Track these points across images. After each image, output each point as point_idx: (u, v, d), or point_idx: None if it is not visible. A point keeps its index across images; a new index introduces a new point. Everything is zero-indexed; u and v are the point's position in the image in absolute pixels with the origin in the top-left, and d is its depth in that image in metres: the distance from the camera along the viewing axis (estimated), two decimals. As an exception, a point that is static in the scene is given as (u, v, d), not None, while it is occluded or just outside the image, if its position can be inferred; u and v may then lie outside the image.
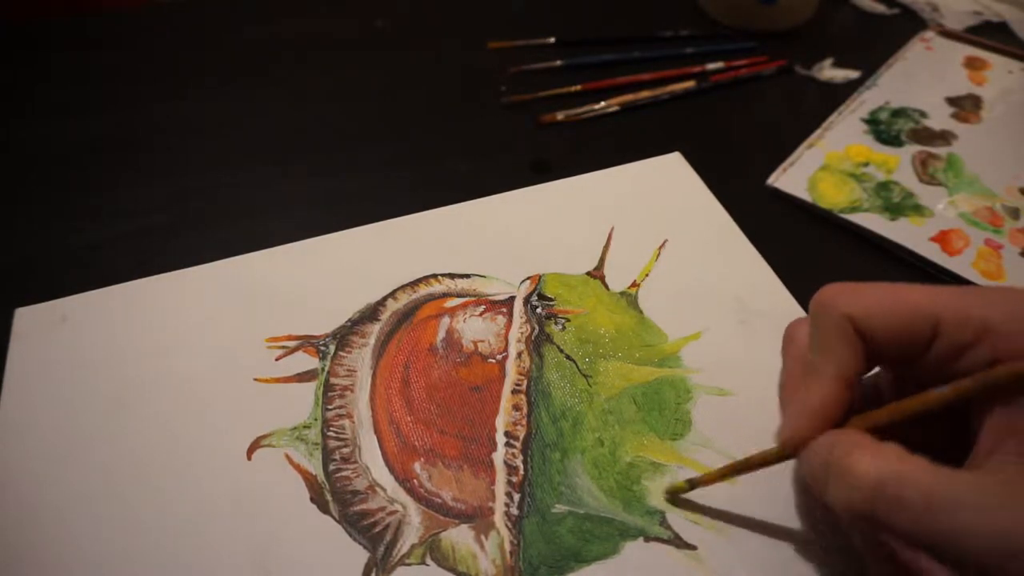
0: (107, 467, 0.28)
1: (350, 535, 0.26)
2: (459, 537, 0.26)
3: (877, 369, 0.24)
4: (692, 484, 0.26)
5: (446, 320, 0.33)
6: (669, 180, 0.40)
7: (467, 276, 0.35)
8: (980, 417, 0.20)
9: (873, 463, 0.19)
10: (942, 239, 0.43)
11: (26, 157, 0.50)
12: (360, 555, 0.26)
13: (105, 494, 0.27)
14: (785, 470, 0.28)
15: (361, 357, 0.32)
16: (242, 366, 0.31)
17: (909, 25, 0.62)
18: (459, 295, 0.34)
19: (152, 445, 0.29)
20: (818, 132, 0.51)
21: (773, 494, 0.27)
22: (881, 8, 0.63)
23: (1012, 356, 0.19)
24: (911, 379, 0.23)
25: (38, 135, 0.51)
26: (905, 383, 0.24)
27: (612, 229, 0.37)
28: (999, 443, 0.19)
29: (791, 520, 0.26)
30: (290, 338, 0.32)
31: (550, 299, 0.34)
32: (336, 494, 0.27)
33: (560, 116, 0.52)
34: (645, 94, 0.54)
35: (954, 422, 0.22)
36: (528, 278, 0.35)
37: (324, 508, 0.27)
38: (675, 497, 0.27)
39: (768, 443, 0.28)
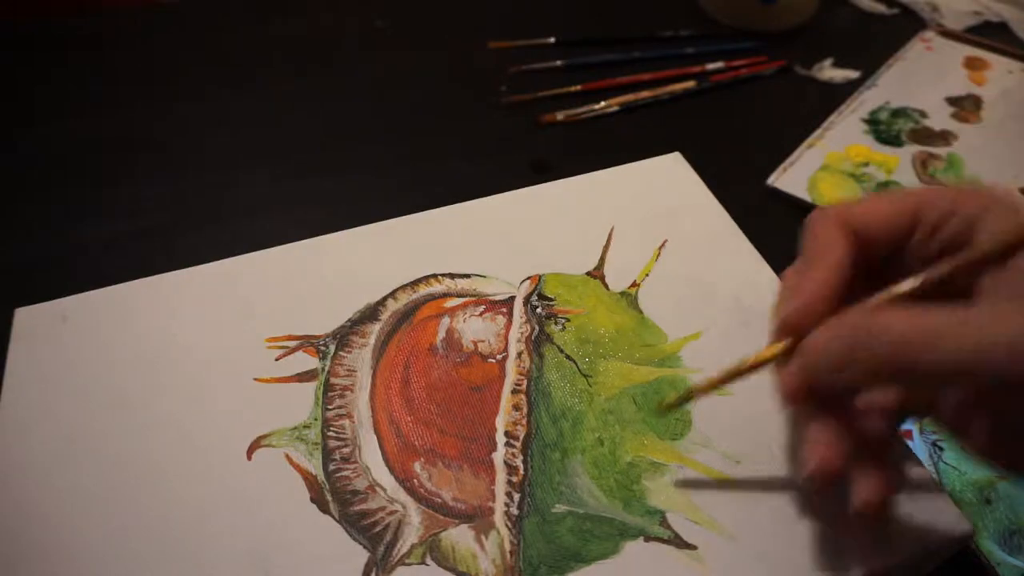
0: (107, 467, 0.28)
1: (350, 535, 0.26)
2: (459, 537, 0.26)
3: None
4: (688, 395, 0.27)
5: (446, 320, 0.33)
6: (669, 180, 0.40)
7: (467, 276, 0.35)
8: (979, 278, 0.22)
9: (893, 316, 0.21)
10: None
11: (26, 157, 0.50)
12: (360, 555, 0.26)
13: (105, 494, 0.27)
14: (786, 471, 0.28)
15: (361, 357, 0.32)
16: (242, 366, 0.31)
17: (909, 25, 0.62)
18: (459, 295, 0.34)
19: (152, 445, 0.29)
20: (818, 132, 0.51)
21: (773, 494, 0.27)
22: (881, 8, 0.63)
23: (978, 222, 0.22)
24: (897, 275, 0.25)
25: (38, 135, 0.51)
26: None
27: (612, 229, 0.37)
28: (995, 286, 0.21)
29: (791, 520, 0.26)
30: (290, 338, 0.32)
31: (550, 299, 0.34)
32: (336, 494, 0.27)
33: (560, 116, 0.52)
34: (645, 94, 0.54)
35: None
36: (528, 278, 0.35)
37: (324, 508, 0.27)
38: (668, 409, 0.27)
39: (769, 443, 0.29)
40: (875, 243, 0.24)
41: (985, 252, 0.22)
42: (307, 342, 0.32)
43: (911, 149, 0.49)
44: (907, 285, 0.22)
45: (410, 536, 0.26)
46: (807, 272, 0.24)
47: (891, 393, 0.25)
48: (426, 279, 0.35)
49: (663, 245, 0.36)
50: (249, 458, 0.28)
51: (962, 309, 0.20)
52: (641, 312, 0.33)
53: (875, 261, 0.24)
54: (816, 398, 0.24)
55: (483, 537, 0.26)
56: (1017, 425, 0.21)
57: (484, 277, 0.35)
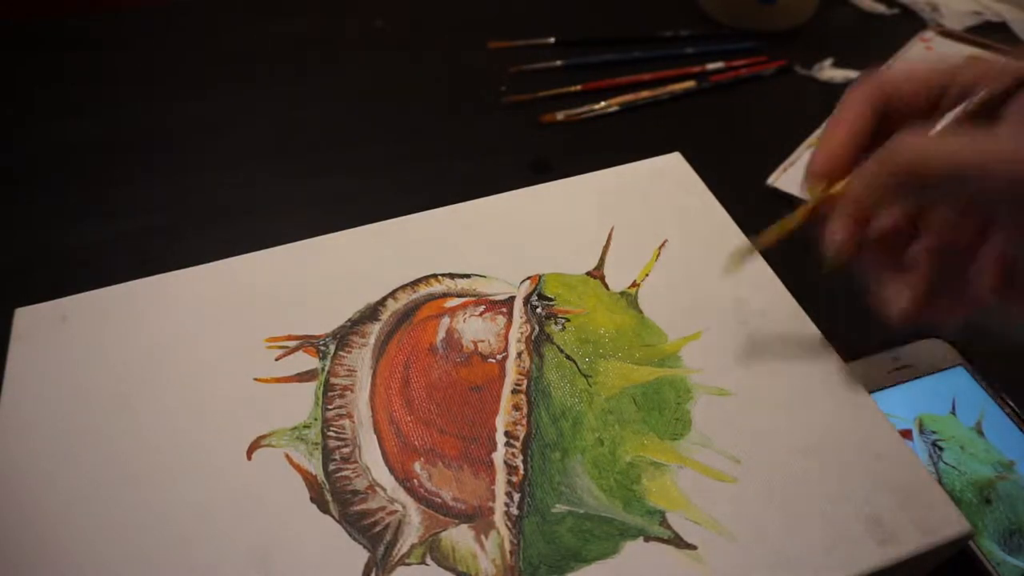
0: (107, 467, 0.28)
1: (350, 535, 0.26)
2: (459, 537, 0.26)
3: None
4: (756, 244, 0.28)
5: (446, 320, 0.33)
6: (669, 180, 0.40)
7: (467, 276, 0.35)
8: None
9: (914, 133, 0.23)
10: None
11: (27, 157, 0.50)
12: (360, 555, 0.26)
13: (105, 494, 0.27)
14: (786, 471, 0.28)
15: (361, 357, 0.32)
16: (242, 366, 0.31)
17: (909, 25, 0.62)
18: (459, 295, 0.34)
19: (152, 445, 0.29)
20: (818, 132, 0.51)
21: (773, 493, 0.27)
22: (881, 8, 0.63)
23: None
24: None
25: (38, 135, 0.51)
26: None
27: (612, 229, 0.37)
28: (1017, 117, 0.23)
29: (791, 519, 0.26)
30: (290, 338, 0.32)
31: (550, 299, 0.34)
32: (336, 494, 0.27)
33: (560, 116, 0.52)
34: (645, 94, 0.54)
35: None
36: (528, 278, 0.35)
37: (324, 508, 0.27)
38: (741, 258, 0.29)
39: (769, 442, 0.29)
40: (907, 100, 0.26)
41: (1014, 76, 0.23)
42: (307, 342, 0.32)
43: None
44: (951, 115, 0.25)
45: (410, 536, 0.26)
46: (832, 127, 0.26)
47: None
48: (426, 279, 0.35)
49: (663, 245, 0.36)
50: (249, 458, 0.28)
51: (967, 129, 0.23)
52: (641, 312, 0.33)
53: (907, 120, 0.26)
54: (863, 249, 0.26)
55: (483, 537, 0.26)
56: None
57: (484, 277, 0.35)
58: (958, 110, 0.24)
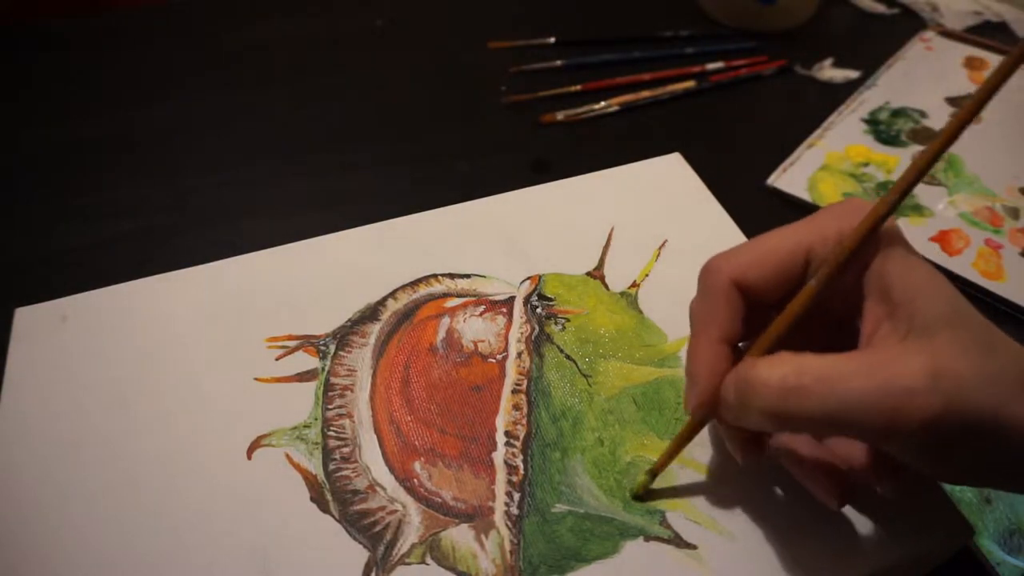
0: (107, 467, 0.28)
1: (350, 534, 0.26)
2: (459, 536, 0.26)
3: None
4: (653, 474, 0.27)
5: (446, 320, 0.33)
6: (669, 180, 0.40)
7: (467, 276, 0.35)
8: (862, 316, 0.23)
9: (773, 368, 0.21)
10: (942, 239, 0.43)
11: (27, 157, 0.50)
12: (360, 554, 0.26)
13: (105, 494, 0.27)
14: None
15: (361, 357, 0.32)
16: (242, 366, 0.31)
17: (909, 25, 0.62)
18: (459, 295, 0.34)
19: (152, 445, 0.29)
20: (818, 132, 0.51)
21: (773, 493, 0.27)
22: (881, 8, 0.63)
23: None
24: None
25: (39, 135, 0.51)
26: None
27: (612, 229, 0.37)
28: (876, 329, 0.22)
29: (791, 520, 0.26)
30: (290, 338, 0.32)
31: (550, 299, 0.34)
32: (336, 493, 0.27)
33: (560, 116, 0.52)
34: (645, 94, 0.54)
35: (845, 333, 0.24)
36: (528, 278, 0.35)
37: (324, 507, 0.27)
38: (645, 492, 0.27)
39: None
40: (767, 293, 0.24)
41: (847, 246, 0.22)
42: (307, 342, 0.32)
43: (911, 149, 0.49)
44: (772, 332, 0.23)
45: (410, 536, 0.26)
46: (696, 351, 0.24)
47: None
48: (426, 279, 0.35)
49: (663, 245, 0.36)
50: (249, 458, 0.28)
51: (832, 358, 0.20)
52: (641, 312, 0.33)
53: (775, 296, 0.24)
54: (763, 451, 0.25)
55: (483, 537, 0.26)
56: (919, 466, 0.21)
57: (484, 277, 0.35)
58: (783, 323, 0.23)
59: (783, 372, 0.21)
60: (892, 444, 0.20)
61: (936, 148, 0.21)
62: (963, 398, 0.19)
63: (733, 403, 0.23)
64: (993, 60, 0.57)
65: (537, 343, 0.32)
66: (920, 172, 0.22)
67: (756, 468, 0.27)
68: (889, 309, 0.22)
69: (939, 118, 0.52)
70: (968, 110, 0.20)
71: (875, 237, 0.22)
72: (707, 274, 0.25)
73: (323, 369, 0.31)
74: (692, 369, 0.24)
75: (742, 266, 0.24)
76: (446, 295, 0.34)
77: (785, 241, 0.24)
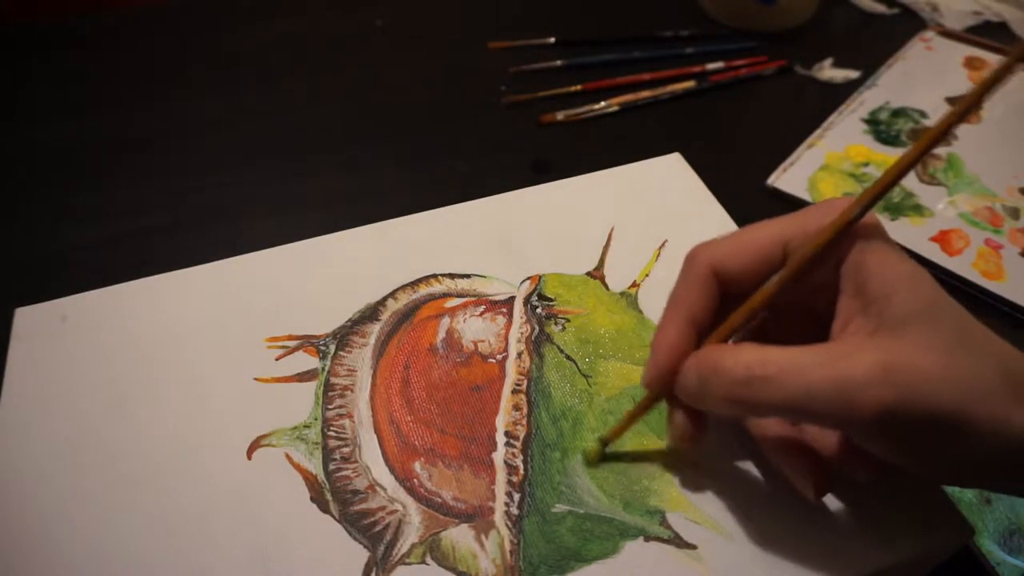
0: (107, 467, 0.28)
1: (350, 534, 0.26)
2: (459, 536, 0.26)
3: None
4: (604, 442, 0.28)
5: (446, 320, 0.33)
6: (669, 180, 0.40)
7: (467, 276, 0.35)
8: (835, 310, 0.23)
9: (738, 356, 0.22)
10: (942, 239, 0.43)
11: (26, 157, 0.50)
12: (360, 554, 0.26)
13: (105, 494, 0.27)
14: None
15: (361, 357, 0.32)
16: (242, 366, 0.31)
17: (909, 25, 0.62)
18: (459, 295, 0.34)
19: (152, 445, 0.29)
20: (818, 132, 0.51)
21: (773, 494, 0.27)
22: (881, 8, 0.63)
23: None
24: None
25: (39, 135, 0.51)
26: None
27: (612, 229, 0.37)
28: (847, 323, 0.22)
29: (791, 520, 0.26)
30: (290, 338, 0.32)
31: (550, 299, 0.34)
32: (336, 494, 0.27)
33: (560, 116, 0.52)
34: (645, 94, 0.54)
35: (825, 328, 0.24)
36: (528, 278, 0.35)
37: (324, 508, 0.27)
38: (594, 459, 0.28)
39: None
40: (743, 281, 0.24)
41: (817, 245, 0.22)
42: (307, 342, 0.32)
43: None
44: (735, 319, 0.24)
45: (410, 536, 0.26)
46: (662, 328, 0.25)
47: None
48: (426, 279, 0.35)
49: (663, 245, 0.36)
50: (249, 458, 0.28)
51: (796, 350, 0.21)
52: (641, 312, 0.33)
53: (752, 286, 0.25)
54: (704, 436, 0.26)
55: (483, 537, 0.26)
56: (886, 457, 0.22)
57: (484, 277, 0.35)
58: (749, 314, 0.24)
59: (747, 361, 0.21)
60: (853, 433, 0.22)
61: (923, 146, 0.21)
62: (920, 392, 0.19)
63: (694, 386, 0.23)
64: (993, 60, 0.57)
65: (537, 343, 0.32)
66: (897, 175, 0.22)
67: (691, 451, 0.28)
68: (863, 304, 0.22)
69: (939, 118, 0.52)
70: (953, 115, 0.21)
71: (850, 233, 0.22)
72: (688, 260, 0.26)
73: (323, 369, 0.31)
74: (655, 346, 0.25)
75: (720, 254, 0.25)
76: (446, 295, 0.34)
77: (765, 233, 0.24)
